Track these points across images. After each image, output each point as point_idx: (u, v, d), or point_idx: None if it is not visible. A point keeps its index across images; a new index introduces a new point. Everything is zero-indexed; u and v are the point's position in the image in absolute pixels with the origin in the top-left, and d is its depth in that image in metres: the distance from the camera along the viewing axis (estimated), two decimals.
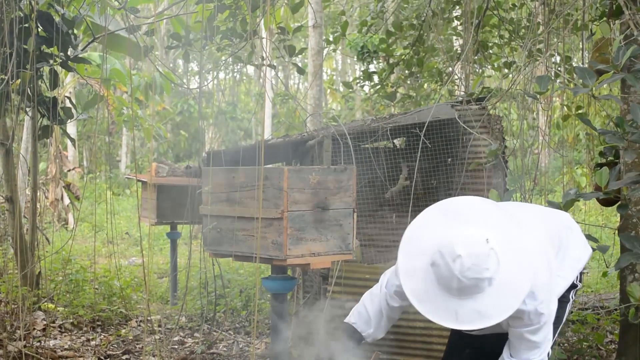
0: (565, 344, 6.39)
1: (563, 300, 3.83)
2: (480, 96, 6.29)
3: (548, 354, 3.63)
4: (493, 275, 3.34)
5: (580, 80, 4.47)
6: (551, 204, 4.84)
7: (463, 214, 3.54)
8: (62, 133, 10.83)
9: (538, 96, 5.38)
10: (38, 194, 8.31)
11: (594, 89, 4.43)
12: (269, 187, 4.11)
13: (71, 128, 17.62)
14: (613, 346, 6.45)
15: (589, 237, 5.05)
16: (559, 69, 7.52)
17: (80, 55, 6.93)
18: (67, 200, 16.03)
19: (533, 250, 3.51)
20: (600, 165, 5.95)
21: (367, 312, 3.89)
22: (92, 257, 8.20)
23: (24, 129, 9.73)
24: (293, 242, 4.07)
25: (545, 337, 3.58)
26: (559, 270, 3.78)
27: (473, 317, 3.35)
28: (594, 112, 12.35)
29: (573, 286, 3.90)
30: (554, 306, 3.59)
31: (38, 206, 8.12)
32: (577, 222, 4.15)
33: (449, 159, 6.44)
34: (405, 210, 5.44)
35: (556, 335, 3.79)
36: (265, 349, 6.67)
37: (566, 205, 4.81)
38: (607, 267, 4.95)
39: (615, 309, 6.12)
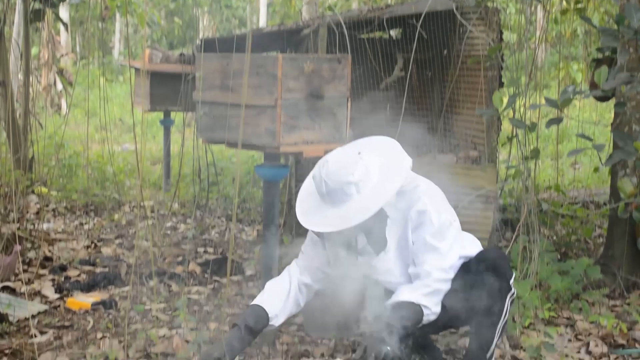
0: (554, 237, 6.46)
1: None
2: None
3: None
4: (359, 181, 3.42)
5: None
6: (548, 102, 4.82)
7: (360, 143, 3.68)
8: (55, 17, 10.70)
9: None
10: (30, 78, 8.25)
11: None
12: (263, 75, 4.08)
13: (64, 13, 17.37)
14: (601, 240, 6.53)
15: (583, 135, 5.05)
16: None
17: None
18: (59, 86, 15.94)
19: (414, 176, 3.63)
20: (597, 61, 5.92)
21: (272, 294, 3.80)
22: (85, 142, 8.18)
23: (16, 12, 9.57)
24: (286, 130, 4.06)
25: (449, 248, 3.56)
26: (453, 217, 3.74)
27: (339, 220, 3.42)
28: (592, 7, 12.21)
29: (509, 289, 3.67)
30: (445, 215, 3.59)
31: (30, 91, 8.07)
32: (571, 119, 4.12)
33: (445, 51, 6.39)
34: (400, 101, 5.41)
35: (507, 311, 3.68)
36: (256, 236, 6.74)
37: (563, 103, 4.80)
38: (600, 162, 4.96)
39: (605, 204, 6.17)
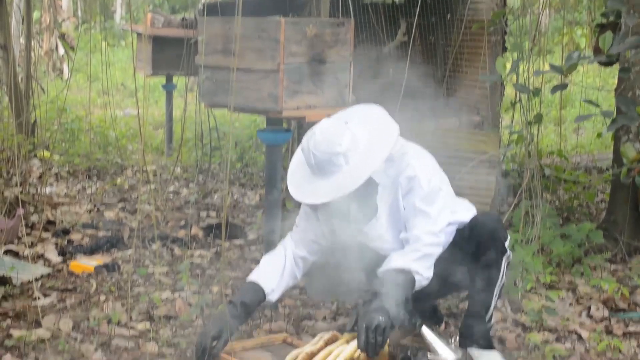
0: (557, 203, 6.47)
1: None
2: None
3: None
4: (346, 151, 3.40)
5: None
6: (553, 68, 4.80)
7: (347, 112, 3.65)
8: None
9: None
10: (32, 43, 8.22)
11: None
12: (265, 39, 4.06)
13: None
14: (603, 205, 6.54)
15: (589, 101, 5.04)
16: None
17: None
18: (61, 50, 15.88)
19: (403, 142, 3.61)
20: (601, 26, 5.89)
21: (268, 269, 3.78)
22: (87, 107, 8.19)
23: None
24: (289, 94, 4.05)
25: (439, 212, 3.53)
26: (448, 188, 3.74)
27: (329, 191, 3.42)
28: None
29: (504, 252, 3.66)
30: (435, 180, 3.57)
31: (32, 55, 8.06)
32: (575, 84, 4.10)
33: (448, 16, 6.36)
34: (403, 66, 5.39)
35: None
36: (259, 200, 6.75)
37: (569, 69, 4.78)
38: (605, 127, 4.95)
39: (608, 169, 6.17)
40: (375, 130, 3.53)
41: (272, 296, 3.70)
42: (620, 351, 3.90)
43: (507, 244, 3.62)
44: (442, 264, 3.54)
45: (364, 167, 3.42)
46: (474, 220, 3.66)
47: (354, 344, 3.26)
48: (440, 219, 3.54)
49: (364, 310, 3.30)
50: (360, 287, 3.58)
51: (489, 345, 3.63)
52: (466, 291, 4.07)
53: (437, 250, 3.52)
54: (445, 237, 3.57)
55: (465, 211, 3.73)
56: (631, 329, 4.24)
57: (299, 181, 3.55)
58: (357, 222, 3.63)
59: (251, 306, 3.62)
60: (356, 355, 3.21)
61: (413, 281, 3.41)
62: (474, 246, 3.58)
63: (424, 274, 3.45)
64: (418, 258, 3.44)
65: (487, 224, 3.65)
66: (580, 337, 4.12)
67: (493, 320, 3.69)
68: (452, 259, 3.59)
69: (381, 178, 3.57)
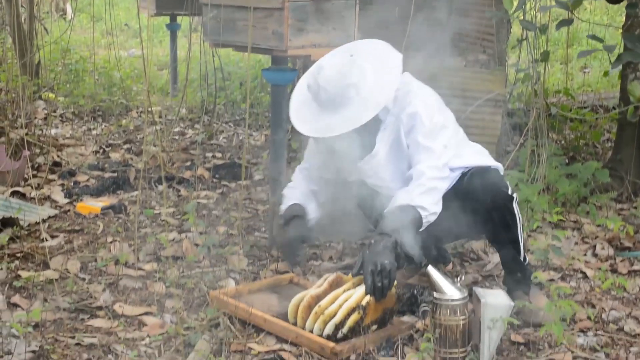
0: (563, 142, 6.45)
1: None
2: None
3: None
4: (357, 82, 3.40)
5: None
6: (558, 3, 4.74)
7: (349, 46, 3.66)
8: None
9: None
10: None
11: None
12: None
13: None
14: (609, 144, 6.52)
15: (593, 37, 4.99)
16: None
17: None
18: None
19: (408, 80, 3.60)
20: None
21: (297, 196, 3.86)
22: (91, 47, 8.12)
23: None
24: (294, 32, 4.01)
25: (442, 148, 3.49)
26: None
27: (343, 123, 3.41)
28: None
29: (512, 199, 3.57)
30: (438, 117, 3.54)
31: None
32: (582, 21, 4.05)
33: None
34: (408, 8, 5.32)
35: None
36: (264, 141, 6.74)
37: (574, 4, 4.72)
38: (610, 64, 4.92)
39: (614, 108, 6.14)
40: (381, 61, 3.52)
41: (312, 220, 3.81)
42: (624, 289, 3.92)
43: (509, 191, 3.55)
44: (445, 211, 3.51)
45: (377, 97, 3.42)
46: (470, 179, 3.57)
47: (361, 288, 3.26)
48: (445, 154, 3.50)
49: (369, 253, 3.27)
50: (362, 225, 3.58)
51: (529, 289, 3.61)
52: (471, 239, 4.09)
53: (443, 184, 3.47)
54: (448, 171, 3.53)
55: (473, 155, 3.69)
56: (636, 267, 4.26)
57: (307, 117, 3.53)
58: (353, 157, 3.61)
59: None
60: (364, 302, 3.21)
61: (419, 218, 3.37)
62: (480, 204, 3.52)
63: (430, 208, 3.39)
64: (422, 192, 3.39)
65: (486, 174, 3.57)
66: (585, 276, 4.14)
67: (527, 260, 3.67)
68: (455, 205, 3.55)
69: (385, 115, 3.55)
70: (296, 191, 3.87)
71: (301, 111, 3.58)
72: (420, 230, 3.40)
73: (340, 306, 3.20)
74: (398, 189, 3.52)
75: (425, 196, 3.39)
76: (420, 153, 3.49)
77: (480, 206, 3.50)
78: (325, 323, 3.19)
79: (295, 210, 3.78)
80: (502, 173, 3.67)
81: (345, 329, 3.19)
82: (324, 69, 3.46)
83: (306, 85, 3.56)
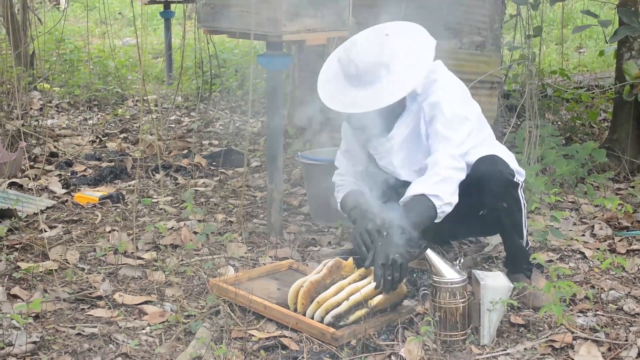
0: (559, 122, 6.45)
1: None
2: None
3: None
4: (389, 62, 3.37)
5: None
6: None
7: (387, 26, 3.59)
8: None
9: None
10: None
11: None
12: None
13: None
14: (606, 124, 6.52)
15: (588, 12, 4.98)
16: None
17: None
18: None
19: (436, 68, 3.56)
20: None
21: (350, 182, 3.82)
22: (86, 37, 8.12)
23: None
24: (288, 17, 3.99)
25: (461, 139, 3.44)
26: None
27: (369, 102, 3.38)
28: None
29: (517, 185, 3.55)
30: (460, 108, 3.50)
31: None
32: (577, 1, 4.04)
33: None
34: None
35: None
36: (261, 127, 6.73)
37: None
38: (606, 42, 4.91)
39: (610, 88, 6.13)
40: (415, 45, 3.49)
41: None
42: (623, 269, 3.93)
43: (516, 177, 3.52)
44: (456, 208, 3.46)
45: (405, 81, 3.39)
46: (477, 170, 3.51)
47: (369, 282, 3.24)
48: (463, 145, 3.45)
49: (381, 245, 3.25)
50: (371, 222, 3.52)
51: (531, 272, 3.60)
52: (483, 235, 4.09)
53: (459, 175, 3.42)
54: (465, 172, 3.47)
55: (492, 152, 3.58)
56: (635, 246, 4.27)
57: (334, 92, 3.49)
58: (370, 136, 3.59)
59: None
60: (373, 302, 3.21)
61: (433, 207, 3.32)
62: (485, 191, 3.48)
63: (445, 198, 3.33)
64: (437, 182, 3.34)
65: (490, 170, 3.49)
66: (584, 256, 4.14)
67: (530, 245, 3.66)
68: (464, 195, 3.51)
69: (410, 102, 3.54)
70: (347, 177, 3.83)
71: (329, 85, 3.54)
72: (436, 221, 3.37)
73: (345, 299, 3.19)
74: (405, 177, 3.53)
75: (439, 185, 3.34)
76: (439, 142, 3.45)
77: (486, 194, 3.47)
78: (327, 312, 3.19)
79: (354, 201, 3.68)
80: (523, 178, 3.63)
81: (348, 322, 3.18)
82: (358, 44, 3.43)
83: (337, 59, 3.52)
